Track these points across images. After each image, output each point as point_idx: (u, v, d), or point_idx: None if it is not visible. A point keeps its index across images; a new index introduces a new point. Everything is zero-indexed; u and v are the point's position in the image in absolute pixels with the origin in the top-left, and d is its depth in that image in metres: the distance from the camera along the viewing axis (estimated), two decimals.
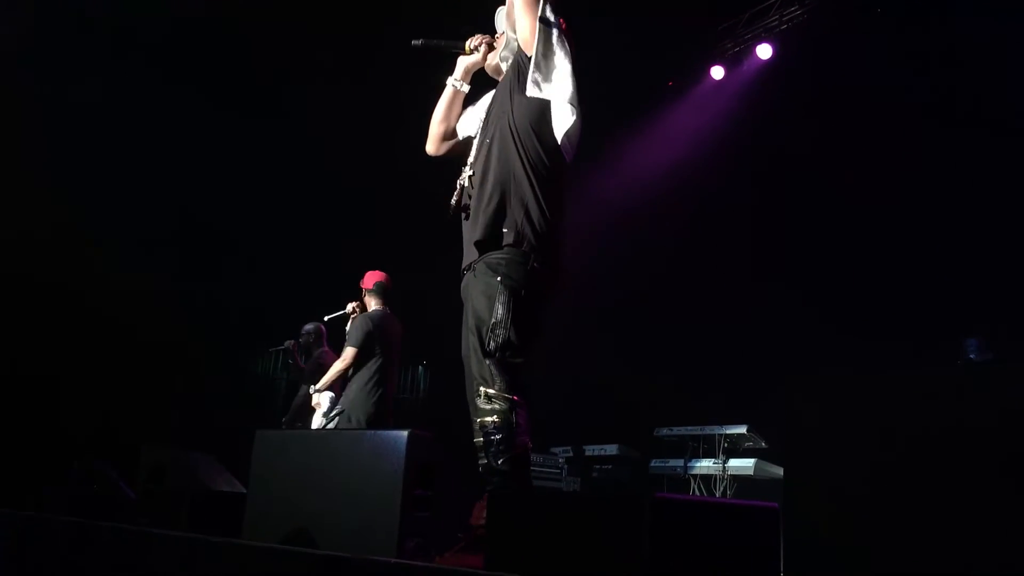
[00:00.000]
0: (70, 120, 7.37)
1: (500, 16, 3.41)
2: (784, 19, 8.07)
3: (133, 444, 4.26)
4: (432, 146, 3.53)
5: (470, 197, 3.15)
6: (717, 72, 8.68)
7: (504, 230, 2.98)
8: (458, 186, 3.26)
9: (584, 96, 3.10)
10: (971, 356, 6.29)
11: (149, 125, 7.76)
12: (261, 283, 8.83)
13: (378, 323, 6.08)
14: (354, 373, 5.99)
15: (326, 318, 6.77)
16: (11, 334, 7.08)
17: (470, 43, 3.42)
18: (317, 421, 6.10)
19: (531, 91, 3.06)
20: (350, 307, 6.53)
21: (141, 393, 7.73)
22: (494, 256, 2.98)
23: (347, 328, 6.29)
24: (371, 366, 5.95)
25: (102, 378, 7.61)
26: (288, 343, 7.75)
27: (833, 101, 7.54)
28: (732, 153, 8.34)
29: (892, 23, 7.23)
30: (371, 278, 6.22)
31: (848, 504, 3.68)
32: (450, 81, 3.49)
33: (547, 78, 3.07)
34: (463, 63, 3.46)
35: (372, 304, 6.18)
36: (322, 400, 6.08)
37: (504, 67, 3.33)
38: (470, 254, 3.09)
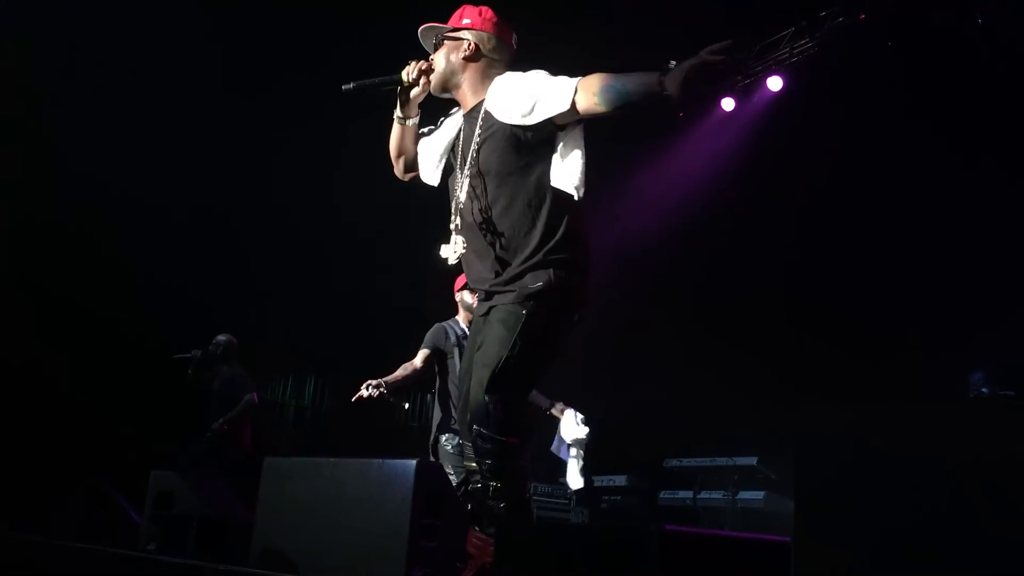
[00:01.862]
0: (71, 127, 7.42)
1: (428, 35, 3.19)
2: (795, 52, 8.09)
3: (141, 467, 4.25)
4: (398, 172, 3.36)
5: (487, 234, 2.95)
6: (728, 104, 8.71)
7: (533, 283, 2.84)
8: (452, 232, 3.05)
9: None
10: (983, 390, 6.27)
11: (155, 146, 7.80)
12: (273, 309, 8.85)
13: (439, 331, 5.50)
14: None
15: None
16: (18, 351, 7.11)
17: (407, 75, 3.14)
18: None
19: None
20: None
21: (150, 416, 7.74)
22: (525, 287, 2.85)
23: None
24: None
25: (111, 399, 7.63)
26: (195, 352, 7.39)
27: (843, 134, 7.56)
28: (741, 185, 8.36)
29: (903, 56, 7.25)
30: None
31: (860, 539, 3.65)
32: (395, 116, 3.26)
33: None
34: (405, 96, 3.20)
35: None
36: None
37: (465, 91, 3.12)
38: (488, 293, 2.98)
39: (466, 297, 5.28)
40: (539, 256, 2.85)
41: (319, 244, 8.98)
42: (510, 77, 3.04)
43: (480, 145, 2.98)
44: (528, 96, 2.90)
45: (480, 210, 2.96)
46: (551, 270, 2.84)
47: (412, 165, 3.32)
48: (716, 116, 8.83)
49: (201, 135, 7.89)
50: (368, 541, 2.80)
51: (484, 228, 2.96)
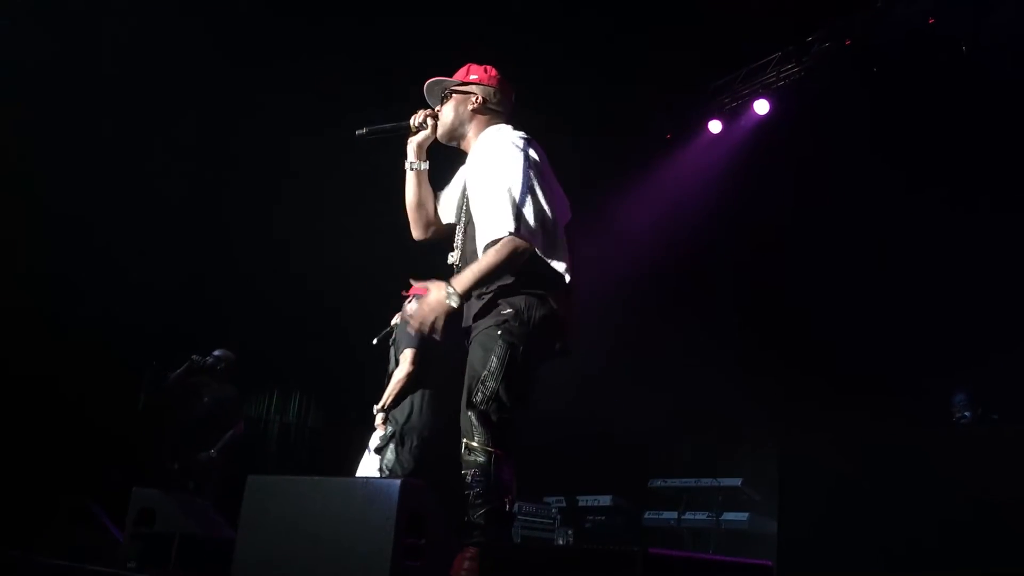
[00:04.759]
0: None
1: (434, 89, 3.38)
2: (781, 76, 8.18)
3: (125, 485, 4.23)
4: (417, 232, 3.47)
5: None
6: (715, 126, 8.78)
7: (502, 305, 2.97)
8: (453, 268, 3.24)
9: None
10: (966, 413, 6.33)
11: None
12: (258, 324, 8.82)
13: None
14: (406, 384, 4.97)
15: (375, 340, 5.42)
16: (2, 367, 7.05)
17: (414, 121, 3.37)
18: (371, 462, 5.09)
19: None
20: (396, 320, 5.44)
21: (133, 433, 7.68)
22: (500, 313, 2.98)
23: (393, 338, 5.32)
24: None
25: (95, 417, 7.56)
26: (195, 358, 6.98)
27: (828, 158, 7.63)
28: (727, 206, 8.41)
29: (888, 82, 7.34)
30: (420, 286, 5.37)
31: (842, 563, 3.67)
32: (407, 165, 3.42)
33: None
34: (414, 143, 3.39)
35: None
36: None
37: (471, 140, 3.29)
38: (468, 319, 3.09)
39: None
40: (511, 283, 2.99)
41: (307, 260, 8.97)
42: (487, 144, 3.18)
43: (468, 195, 3.23)
44: (481, 196, 3.07)
45: (466, 250, 3.18)
46: (524, 296, 2.98)
47: (432, 219, 3.44)
48: (704, 138, 8.89)
49: (186, 143, 7.88)
50: (351, 561, 2.79)
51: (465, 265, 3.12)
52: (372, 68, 7.78)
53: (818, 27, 7.77)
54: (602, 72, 7.99)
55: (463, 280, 2.94)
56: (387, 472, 4.69)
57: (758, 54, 8.33)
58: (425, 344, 4.89)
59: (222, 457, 6.82)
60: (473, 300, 3.07)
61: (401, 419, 4.85)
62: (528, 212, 2.97)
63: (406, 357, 4.89)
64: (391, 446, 4.80)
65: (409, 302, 5.23)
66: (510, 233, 2.93)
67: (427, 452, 4.80)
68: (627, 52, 7.74)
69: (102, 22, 7.16)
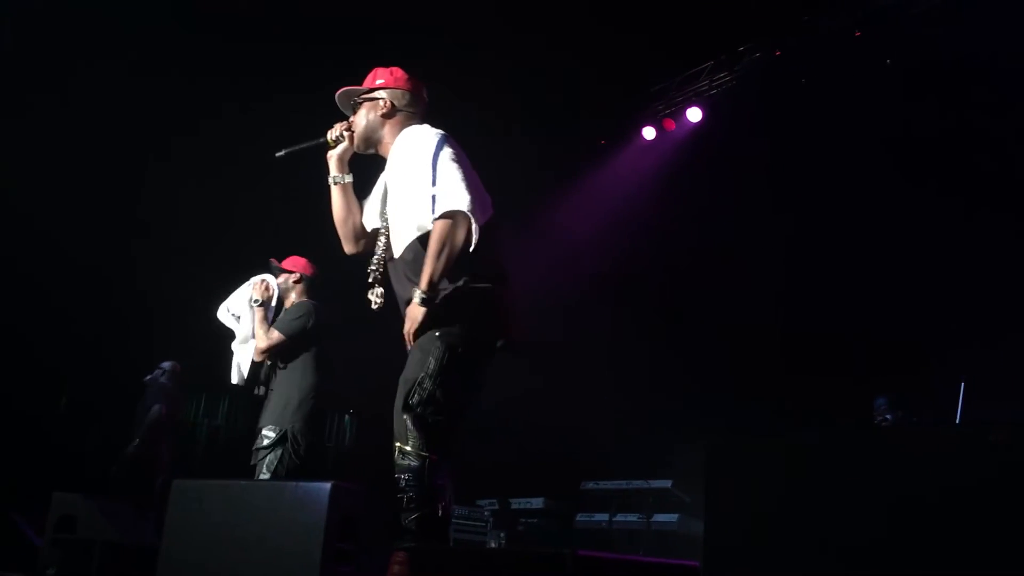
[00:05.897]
0: None
1: (345, 99, 3.37)
2: (714, 84, 8.32)
3: (48, 492, 4.11)
4: (349, 246, 3.40)
5: (405, 274, 3.08)
6: (649, 132, 8.88)
7: (443, 309, 2.94)
8: (370, 276, 3.20)
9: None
10: (888, 416, 6.52)
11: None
12: (187, 327, 8.64)
13: (322, 312, 4.98)
14: (289, 377, 4.86)
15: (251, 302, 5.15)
16: None
17: (331, 135, 3.35)
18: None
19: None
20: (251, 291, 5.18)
21: (58, 437, 7.47)
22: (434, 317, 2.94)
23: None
24: (309, 369, 4.87)
25: (19, 422, 7.32)
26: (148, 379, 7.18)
27: (758, 165, 7.79)
28: (660, 210, 8.52)
29: (816, 93, 7.52)
30: (307, 264, 5.19)
31: (768, 563, 3.74)
32: (330, 180, 3.36)
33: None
34: (334, 157, 3.34)
35: (302, 296, 5.10)
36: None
37: (387, 144, 3.27)
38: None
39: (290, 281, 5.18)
40: (449, 285, 2.97)
41: (237, 262, 8.80)
42: (405, 144, 3.18)
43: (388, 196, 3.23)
44: (405, 194, 3.09)
45: (395, 253, 3.13)
46: (463, 294, 2.97)
47: (361, 231, 3.37)
48: (637, 144, 8.98)
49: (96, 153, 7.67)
50: (279, 565, 2.76)
51: (402, 270, 3.11)
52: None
53: (749, 37, 7.92)
54: (535, 77, 8.03)
55: (424, 278, 2.91)
56: (268, 474, 4.65)
57: (691, 62, 8.45)
58: (295, 341, 4.86)
59: (145, 445, 6.73)
60: (413, 299, 3.00)
61: (292, 422, 4.79)
62: (461, 188, 2.93)
63: (271, 336, 4.84)
64: (277, 449, 4.74)
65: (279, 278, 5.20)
66: (445, 212, 2.91)
67: (312, 454, 4.82)
68: (561, 57, 7.79)
69: None
